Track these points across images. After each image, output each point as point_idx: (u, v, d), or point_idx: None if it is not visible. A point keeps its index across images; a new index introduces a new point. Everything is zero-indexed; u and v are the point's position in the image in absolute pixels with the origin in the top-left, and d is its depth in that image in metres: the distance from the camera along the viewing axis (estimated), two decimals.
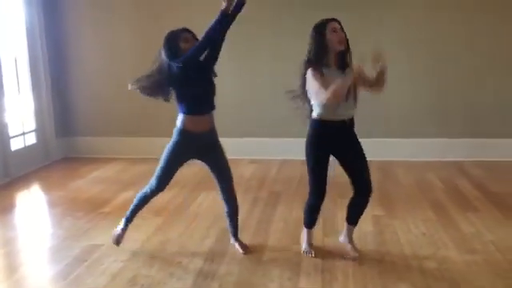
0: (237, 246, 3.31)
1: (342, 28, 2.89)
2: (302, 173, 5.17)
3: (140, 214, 4.00)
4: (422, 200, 4.24)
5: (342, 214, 3.92)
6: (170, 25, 5.95)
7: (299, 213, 3.98)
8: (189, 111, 3.02)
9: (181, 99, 3.03)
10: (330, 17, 2.92)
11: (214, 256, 3.23)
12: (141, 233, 3.63)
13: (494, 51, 5.38)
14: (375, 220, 3.77)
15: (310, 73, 2.86)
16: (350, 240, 3.25)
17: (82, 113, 6.07)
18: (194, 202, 4.31)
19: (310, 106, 3.00)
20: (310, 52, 2.92)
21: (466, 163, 5.36)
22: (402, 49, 5.25)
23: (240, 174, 4.63)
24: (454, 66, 5.42)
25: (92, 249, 3.37)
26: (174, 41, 3.00)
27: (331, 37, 2.84)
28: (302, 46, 5.70)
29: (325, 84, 2.76)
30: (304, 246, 3.26)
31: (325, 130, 2.95)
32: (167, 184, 3.17)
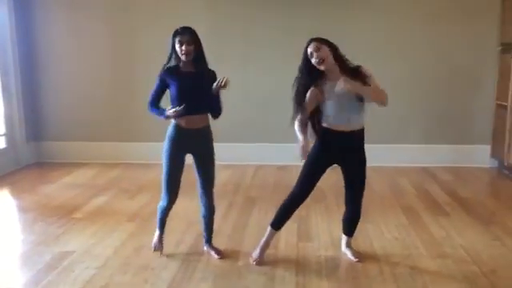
0: (212, 252, 3.30)
1: (322, 43, 2.91)
2: (277, 178, 5.25)
3: (113, 219, 3.99)
4: (394, 205, 4.32)
5: (316, 219, 3.99)
6: (143, 31, 5.96)
7: None
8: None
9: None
10: (306, 35, 3.00)
11: (188, 262, 3.21)
12: (114, 239, 3.59)
13: (462, 61, 5.52)
14: None
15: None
16: (349, 247, 3.30)
17: (53, 117, 5.96)
18: None
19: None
20: (298, 74, 3.01)
21: (437, 169, 5.48)
22: (373, 58, 5.33)
23: (215, 179, 4.61)
24: (424, 74, 5.54)
25: (64, 255, 3.31)
26: (173, 41, 3.00)
27: (312, 61, 2.91)
28: (273, 52, 5.79)
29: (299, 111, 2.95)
30: (257, 251, 3.20)
31: (328, 137, 2.99)
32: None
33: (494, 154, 5.48)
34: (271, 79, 5.60)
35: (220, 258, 3.24)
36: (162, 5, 5.66)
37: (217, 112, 3.14)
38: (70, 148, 5.95)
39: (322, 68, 2.91)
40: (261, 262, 3.17)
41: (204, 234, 3.35)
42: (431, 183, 4.99)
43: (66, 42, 5.81)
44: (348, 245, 3.32)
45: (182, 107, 2.93)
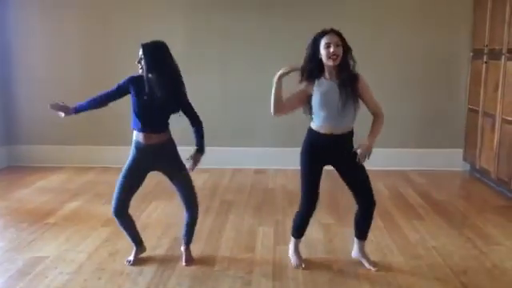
0: (183, 256, 3.25)
1: (342, 39, 2.82)
2: (254, 182, 5.26)
3: (88, 224, 3.92)
4: None
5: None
6: (118, 34, 5.90)
7: (251, 221, 4.03)
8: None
9: None
10: (327, 27, 2.87)
11: (164, 266, 3.19)
12: (88, 244, 3.54)
13: (436, 66, 5.62)
14: (325, 228, 3.85)
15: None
16: (364, 254, 3.22)
17: (25, 120, 5.84)
18: (144, 212, 4.23)
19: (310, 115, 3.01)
20: (304, 61, 2.91)
21: (411, 172, 5.57)
22: None
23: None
24: (398, 79, 5.63)
25: (36, 261, 3.24)
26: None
27: (323, 52, 2.81)
28: (251, 57, 5.79)
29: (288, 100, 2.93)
30: (293, 259, 3.20)
31: (316, 140, 2.96)
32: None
33: (466, 158, 5.60)
34: (248, 84, 5.61)
35: (186, 265, 3.20)
36: (137, 5, 5.61)
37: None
38: (43, 152, 5.84)
39: (330, 63, 2.81)
40: (303, 261, 3.19)
41: (184, 237, 3.29)
42: (406, 187, 5.06)
43: (40, 45, 5.71)
44: (362, 251, 3.20)
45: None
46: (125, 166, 3.11)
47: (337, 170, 3.06)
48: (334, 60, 2.80)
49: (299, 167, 3.05)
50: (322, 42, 2.82)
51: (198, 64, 5.43)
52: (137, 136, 3.05)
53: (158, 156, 3.07)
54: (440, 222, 4.01)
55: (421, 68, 5.62)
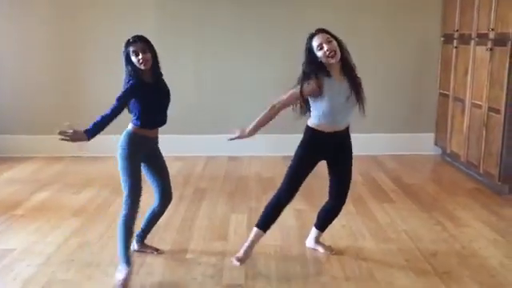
0: (149, 250, 3.19)
1: (330, 35, 2.78)
2: (228, 169, 5.23)
3: (57, 215, 3.85)
4: None
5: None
6: (89, 25, 5.74)
7: (224, 209, 4.01)
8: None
9: None
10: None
11: (136, 256, 3.14)
12: (57, 235, 3.47)
13: (407, 51, 5.66)
14: (297, 214, 3.85)
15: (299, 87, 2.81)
16: (319, 242, 3.22)
17: None
18: (115, 201, 4.15)
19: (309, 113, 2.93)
20: (304, 65, 2.83)
21: (383, 157, 5.62)
22: None
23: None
24: (369, 65, 5.63)
25: (2, 254, 3.16)
26: (126, 54, 2.81)
27: (319, 54, 2.76)
28: (224, 44, 5.72)
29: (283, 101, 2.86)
30: (241, 254, 2.94)
31: (319, 139, 2.90)
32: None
33: (437, 142, 5.68)
34: (222, 71, 5.55)
35: (159, 253, 3.18)
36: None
37: None
38: (10, 142, 5.67)
39: (332, 61, 2.74)
40: (244, 260, 2.94)
41: (143, 231, 3.19)
42: (378, 171, 5.11)
43: (9, 34, 5.53)
44: (318, 240, 3.23)
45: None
46: (130, 167, 2.87)
47: (329, 164, 3.02)
48: (332, 57, 2.75)
49: (288, 158, 2.98)
50: (314, 45, 2.77)
51: (171, 52, 5.33)
52: (143, 132, 2.89)
53: (153, 146, 3.02)
54: (411, 206, 4.07)
55: (392, 53, 5.65)
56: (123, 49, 2.82)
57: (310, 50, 2.80)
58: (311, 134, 2.92)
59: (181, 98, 5.98)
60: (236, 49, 5.51)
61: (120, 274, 2.78)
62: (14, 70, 5.59)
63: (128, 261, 2.81)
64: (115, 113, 2.76)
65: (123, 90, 2.81)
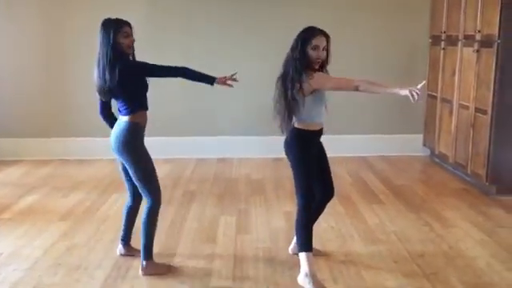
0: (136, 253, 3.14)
1: (328, 43, 2.83)
2: (217, 171, 5.22)
3: (44, 218, 3.82)
4: None
5: (255, 210, 4.00)
6: (79, 23, 5.70)
7: (213, 211, 4.01)
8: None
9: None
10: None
11: (123, 260, 3.13)
12: (45, 239, 3.44)
13: (396, 53, 5.69)
14: (286, 216, 3.85)
15: (319, 75, 2.80)
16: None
17: None
18: (104, 204, 4.14)
19: (291, 117, 2.87)
20: (295, 60, 2.79)
21: (373, 158, 5.64)
22: None
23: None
24: (358, 66, 5.65)
25: None
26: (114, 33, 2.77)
27: (311, 52, 2.78)
28: (212, 44, 5.70)
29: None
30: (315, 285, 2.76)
31: (312, 138, 2.93)
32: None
33: (425, 143, 5.71)
34: (209, 71, 5.51)
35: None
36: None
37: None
38: None
39: (316, 66, 2.81)
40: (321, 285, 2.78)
41: (127, 232, 3.16)
42: (367, 172, 5.13)
43: None
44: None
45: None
46: (147, 155, 2.91)
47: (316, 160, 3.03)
48: (318, 64, 2.82)
49: (292, 165, 2.91)
50: (312, 42, 2.79)
51: (157, 51, 5.31)
52: (141, 116, 2.90)
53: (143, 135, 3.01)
54: (399, 207, 4.09)
55: (381, 55, 5.67)
56: (108, 28, 2.76)
57: (304, 41, 2.80)
58: (303, 137, 2.90)
59: (170, 99, 6.02)
60: (224, 48, 5.50)
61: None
62: (1, 72, 5.54)
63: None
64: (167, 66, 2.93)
65: (142, 61, 2.86)
